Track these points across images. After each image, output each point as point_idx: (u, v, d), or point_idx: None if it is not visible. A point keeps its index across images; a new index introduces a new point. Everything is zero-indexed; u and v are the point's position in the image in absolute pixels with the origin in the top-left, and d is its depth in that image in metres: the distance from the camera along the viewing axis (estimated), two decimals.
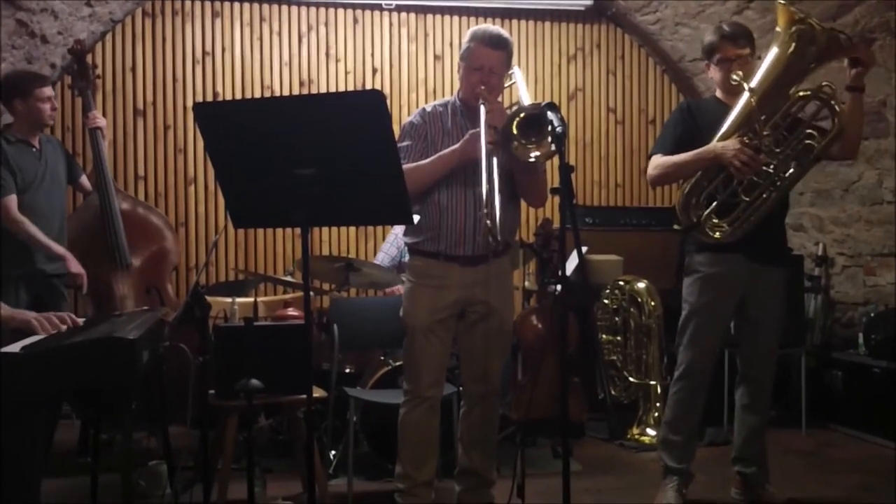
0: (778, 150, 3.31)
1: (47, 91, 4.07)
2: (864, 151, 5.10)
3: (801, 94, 3.32)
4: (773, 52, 3.30)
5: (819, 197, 5.52)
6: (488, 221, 2.91)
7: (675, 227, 3.49)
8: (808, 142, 3.33)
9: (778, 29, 3.30)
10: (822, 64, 3.36)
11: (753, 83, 3.28)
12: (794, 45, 3.23)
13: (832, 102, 3.29)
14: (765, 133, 3.25)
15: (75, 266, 4.06)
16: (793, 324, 4.93)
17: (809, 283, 5.35)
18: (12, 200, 3.91)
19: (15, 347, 2.40)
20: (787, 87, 3.32)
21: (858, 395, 4.85)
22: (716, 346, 3.53)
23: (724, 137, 3.31)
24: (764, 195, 3.32)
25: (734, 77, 3.33)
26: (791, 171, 3.34)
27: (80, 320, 2.91)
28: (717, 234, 3.35)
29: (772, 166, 3.29)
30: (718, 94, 3.57)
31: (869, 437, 4.72)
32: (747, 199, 3.32)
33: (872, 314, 5.02)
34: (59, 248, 4.04)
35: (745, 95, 3.27)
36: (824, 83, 3.33)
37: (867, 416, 4.76)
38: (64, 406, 4.34)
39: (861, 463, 4.33)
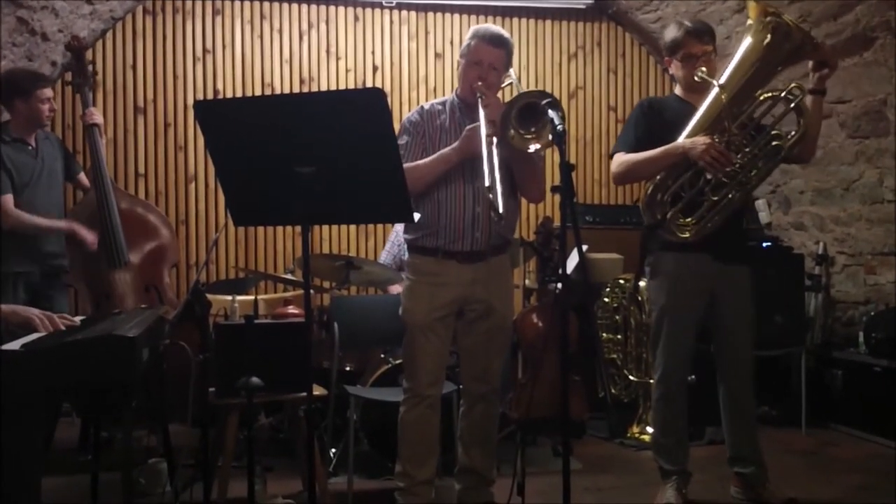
0: (747, 150, 3.31)
1: (48, 92, 4.08)
2: (865, 150, 5.10)
3: (768, 94, 3.32)
4: (746, 43, 3.29)
5: (819, 196, 5.52)
6: (490, 196, 2.90)
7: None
8: (775, 142, 3.33)
9: (749, 22, 3.31)
10: (792, 63, 3.37)
11: (722, 79, 3.28)
12: (769, 36, 3.24)
13: (800, 104, 3.31)
14: (734, 132, 3.25)
15: (85, 233, 4.16)
16: (793, 323, 4.95)
17: (810, 281, 5.35)
18: (9, 199, 3.92)
19: (15, 345, 2.39)
20: (756, 86, 3.31)
21: (859, 394, 4.84)
22: (690, 345, 3.51)
23: (692, 135, 3.30)
24: (730, 195, 3.31)
25: (698, 74, 3.33)
26: (756, 171, 3.34)
27: (77, 320, 2.91)
28: (686, 233, 3.34)
29: (738, 165, 3.28)
30: (679, 91, 3.56)
31: (869, 437, 4.72)
32: (715, 198, 3.31)
33: (873, 313, 5.02)
34: (62, 224, 4.14)
35: (715, 92, 3.26)
36: (793, 84, 3.33)
37: (868, 416, 4.75)
38: (64, 404, 4.35)
39: (861, 462, 4.32)
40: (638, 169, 3.42)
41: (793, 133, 3.33)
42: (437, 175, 3.15)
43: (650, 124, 3.44)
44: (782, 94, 3.31)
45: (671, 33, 3.50)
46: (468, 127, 3.09)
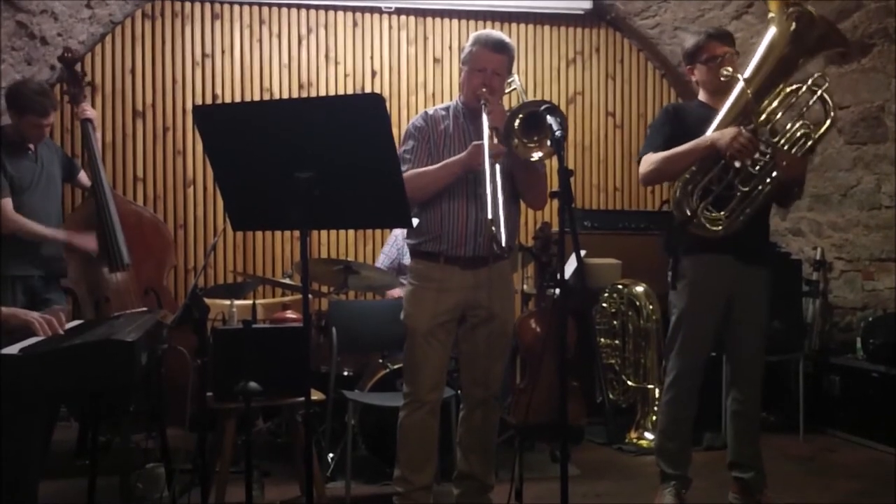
0: (775, 140, 3.31)
1: (41, 120, 4.03)
2: (863, 157, 5.12)
3: (791, 87, 3.33)
4: (771, 33, 3.30)
5: (817, 201, 5.53)
6: (493, 228, 2.92)
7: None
8: (803, 132, 3.33)
9: (772, 14, 3.32)
10: (817, 53, 3.38)
11: (747, 73, 3.29)
12: (794, 24, 3.25)
13: (824, 95, 3.31)
14: (761, 123, 3.26)
15: (83, 241, 4.18)
16: (791, 328, 4.95)
17: (807, 287, 5.36)
18: (8, 203, 3.93)
19: (14, 349, 2.40)
20: (779, 78, 3.32)
21: (857, 399, 4.85)
22: (705, 351, 3.51)
23: (719, 129, 3.31)
24: (759, 187, 3.31)
25: (724, 71, 3.35)
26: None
27: (75, 323, 2.92)
28: (718, 226, 3.32)
29: (768, 156, 3.28)
30: (702, 97, 3.57)
31: (867, 442, 4.72)
32: (745, 189, 3.30)
33: (870, 319, 5.02)
34: (60, 233, 4.13)
35: (740, 86, 3.27)
36: (816, 74, 3.34)
37: (865, 421, 4.76)
38: (62, 408, 4.34)
39: (860, 468, 4.33)
40: (668, 166, 3.40)
41: (822, 123, 3.32)
42: (442, 185, 3.16)
43: (675, 127, 3.45)
44: (805, 87, 3.32)
45: (692, 40, 3.53)
46: (474, 143, 3.10)
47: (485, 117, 3.05)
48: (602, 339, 4.97)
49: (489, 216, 2.93)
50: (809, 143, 3.33)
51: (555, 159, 2.54)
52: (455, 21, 6.03)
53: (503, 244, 2.97)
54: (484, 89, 3.13)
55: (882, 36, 4.70)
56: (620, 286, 4.96)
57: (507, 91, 3.33)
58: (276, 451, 4.30)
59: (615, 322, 4.96)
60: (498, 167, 3.00)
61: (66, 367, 2.35)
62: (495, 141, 3.01)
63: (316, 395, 3.59)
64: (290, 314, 4.41)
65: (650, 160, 3.44)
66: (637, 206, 6.28)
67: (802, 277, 5.26)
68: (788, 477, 4.08)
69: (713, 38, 3.46)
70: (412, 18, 5.99)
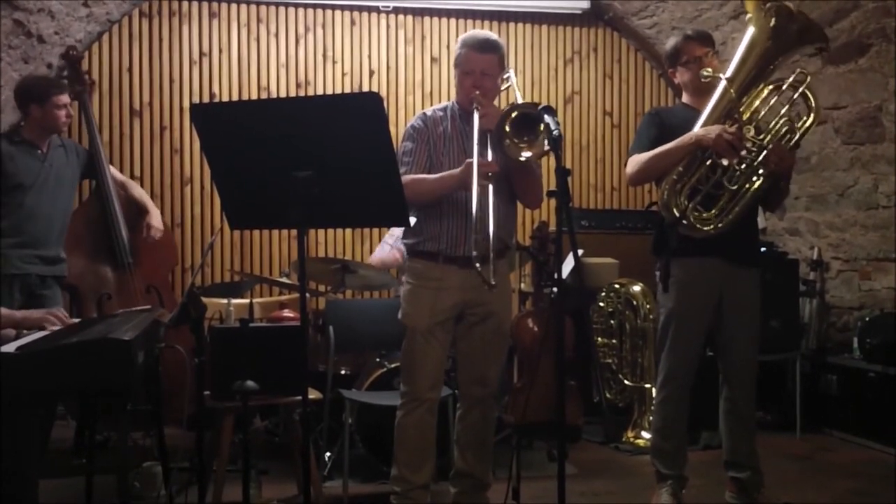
0: (760, 137, 3.32)
1: (64, 98, 4.06)
2: (860, 157, 5.12)
3: (773, 84, 3.35)
4: (750, 32, 3.32)
5: (814, 201, 5.53)
6: (478, 266, 2.96)
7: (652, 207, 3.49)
8: (787, 127, 3.34)
9: (749, 14, 3.34)
10: (799, 47, 3.39)
11: (729, 72, 3.31)
12: (774, 19, 3.27)
13: (806, 90, 3.33)
14: (744, 118, 3.27)
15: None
16: (788, 328, 4.96)
17: (805, 287, 5.36)
18: None
19: (10, 347, 2.39)
20: (762, 75, 3.33)
21: (853, 399, 4.85)
22: (696, 350, 3.51)
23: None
24: (747, 185, 3.32)
25: (705, 72, 3.36)
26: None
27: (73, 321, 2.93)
28: (709, 226, 3.31)
29: (754, 152, 3.28)
30: (685, 98, 3.58)
31: (864, 442, 4.73)
32: (733, 188, 3.31)
33: (867, 318, 5.03)
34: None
35: (723, 85, 3.29)
36: (797, 70, 3.36)
37: (862, 421, 4.77)
38: (59, 406, 4.34)
39: (856, 467, 4.33)
40: (653, 165, 3.40)
41: (806, 118, 3.34)
42: (437, 196, 3.17)
43: (660, 129, 3.46)
44: (787, 84, 3.34)
45: (671, 42, 3.56)
46: (467, 161, 3.06)
47: (476, 121, 3.05)
48: (599, 339, 4.97)
49: (473, 252, 2.98)
50: (795, 137, 3.34)
51: (552, 159, 2.54)
52: (453, 20, 6.03)
53: (492, 283, 3.01)
54: (477, 92, 3.13)
55: (880, 36, 4.71)
56: (618, 286, 4.96)
57: (503, 88, 3.32)
58: (273, 450, 4.30)
59: (612, 321, 4.96)
60: (491, 188, 3.00)
61: (63, 365, 2.34)
62: (488, 144, 3.01)
63: (313, 394, 3.59)
64: (287, 313, 4.41)
65: (637, 161, 3.45)
66: (634, 205, 6.27)
67: (799, 277, 5.27)
68: (785, 476, 4.08)
69: (691, 39, 3.48)
70: (410, 17, 5.99)
